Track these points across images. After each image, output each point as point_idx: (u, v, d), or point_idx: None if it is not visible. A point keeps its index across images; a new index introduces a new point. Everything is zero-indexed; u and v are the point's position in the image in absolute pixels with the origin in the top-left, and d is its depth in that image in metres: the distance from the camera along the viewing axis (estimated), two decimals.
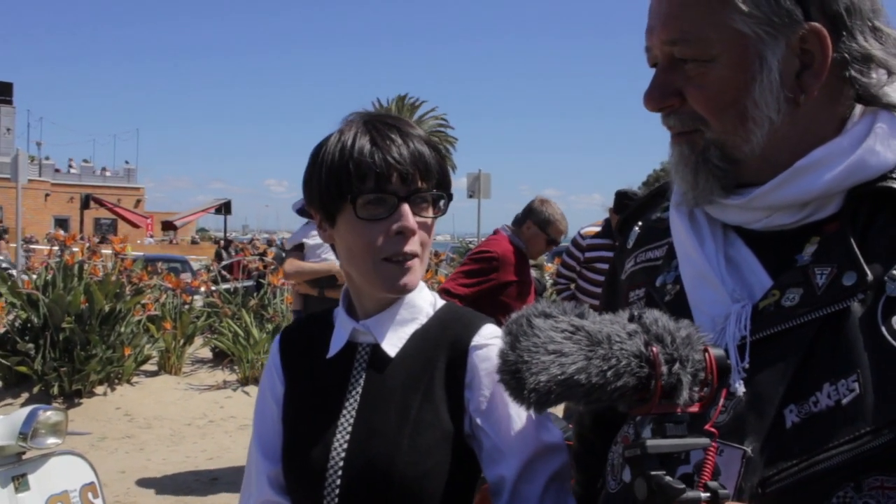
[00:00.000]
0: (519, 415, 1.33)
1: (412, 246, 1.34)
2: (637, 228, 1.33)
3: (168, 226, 38.12)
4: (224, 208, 36.31)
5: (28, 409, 2.55)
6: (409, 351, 1.40)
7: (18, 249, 15.17)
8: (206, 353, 10.37)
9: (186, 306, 10.16)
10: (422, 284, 1.46)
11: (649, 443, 0.87)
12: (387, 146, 1.32)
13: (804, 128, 1.05)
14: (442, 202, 1.40)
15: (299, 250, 5.67)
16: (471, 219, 19.93)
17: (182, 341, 9.59)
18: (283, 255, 6.72)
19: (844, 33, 1.02)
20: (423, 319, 1.43)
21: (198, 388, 8.79)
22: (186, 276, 14.16)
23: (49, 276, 8.18)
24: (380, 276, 1.36)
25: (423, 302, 1.45)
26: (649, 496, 0.86)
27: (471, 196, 19.80)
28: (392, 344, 1.40)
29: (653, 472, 0.86)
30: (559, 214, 5.09)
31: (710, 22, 1.01)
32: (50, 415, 2.56)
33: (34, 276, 8.37)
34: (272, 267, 11.75)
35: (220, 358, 9.90)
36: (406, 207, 1.33)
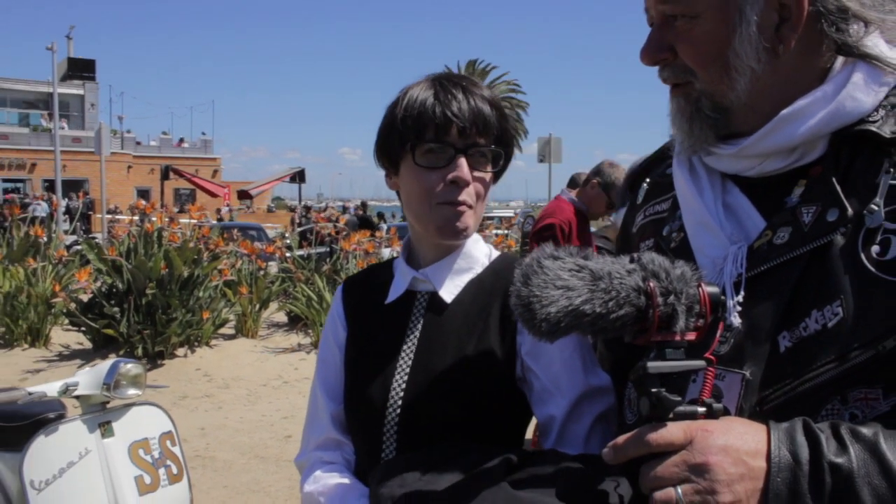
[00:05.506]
0: (568, 358, 1.39)
1: (465, 196, 1.42)
2: (645, 185, 1.41)
3: (244, 195, 38.91)
4: (298, 177, 36.83)
5: (111, 361, 2.73)
6: (464, 298, 1.47)
7: (103, 219, 15.80)
8: (282, 317, 10.69)
9: (261, 272, 10.47)
10: (478, 237, 1.54)
11: (650, 364, 0.97)
12: (448, 101, 1.39)
13: (786, 77, 1.12)
14: (501, 160, 1.47)
15: None
16: (544, 183, 19.84)
17: (258, 306, 9.92)
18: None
19: None
20: (478, 269, 1.51)
21: (273, 350, 9.08)
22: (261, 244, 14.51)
23: (131, 244, 8.54)
24: (435, 220, 1.44)
25: (479, 253, 1.52)
26: (651, 410, 0.96)
27: (541, 160, 19.72)
28: (449, 291, 1.48)
29: (653, 389, 0.96)
30: None
31: None
32: (130, 367, 2.74)
33: (118, 244, 8.75)
34: (344, 233, 11.94)
35: (294, 322, 10.20)
36: (462, 159, 1.41)
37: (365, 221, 19.58)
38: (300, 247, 13.41)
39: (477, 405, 1.39)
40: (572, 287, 0.95)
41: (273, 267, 11.44)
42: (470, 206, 1.44)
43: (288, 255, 12.00)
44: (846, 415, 1.00)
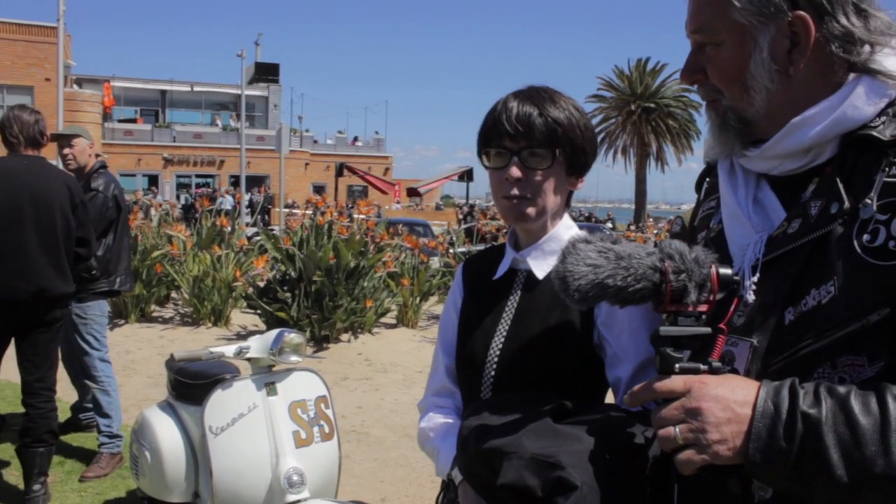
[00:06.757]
0: (636, 329, 1.65)
1: (516, 190, 1.70)
2: (706, 184, 1.63)
3: (413, 192, 40.05)
4: (466, 175, 37.55)
5: (277, 330, 3.18)
6: None
7: (281, 212, 16.93)
8: (441, 309, 11.13)
9: (423, 265, 11.00)
10: (571, 223, 1.83)
11: (661, 328, 1.22)
12: (500, 113, 1.69)
13: (800, 93, 1.30)
14: (553, 159, 1.70)
15: None
16: None
17: (418, 298, 10.44)
18: None
19: (827, 17, 1.26)
20: None
21: (431, 340, 9.53)
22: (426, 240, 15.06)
23: (304, 235, 9.27)
24: (501, 209, 1.77)
25: (568, 237, 1.75)
26: (660, 364, 1.21)
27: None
28: (541, 269, 1.77)
29: (662, 348, 1.21)
30: None
31: (718, 16, 1.31)
32: (293, 336, 3.17)
33: (292, 235, 9.50)
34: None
35: None
36: (514, 160, 1.69)
37: None
38: (463, 244, 13.84)
39: (557, 365, 1.68)
40: (599, 265, 1.21)
41: (435, 262, 11.94)
42: (525, 198, 1.71)
43: (450, 250, 12.50)
44: (835, 378, 1.18)
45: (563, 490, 1.28)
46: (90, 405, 5.32)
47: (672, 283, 1.21)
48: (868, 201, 1.21)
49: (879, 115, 1.26)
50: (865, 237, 1.20)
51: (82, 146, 5.27)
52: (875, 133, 1.24)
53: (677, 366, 1.20)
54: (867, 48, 1.28)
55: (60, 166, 5.23)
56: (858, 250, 1.19)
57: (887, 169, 1.21)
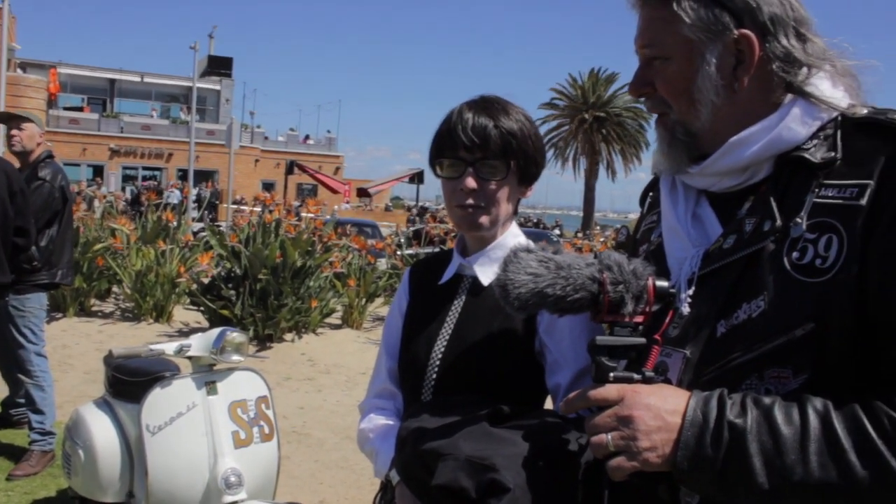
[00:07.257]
0: (577, 337, 1.68)
1: (470, 199, 1.73)
2: (649, 198, 1.67)
3: (363, 193, 39.85)
4: (417, 178, 37.48)
5: (219, 329, 3.15)
6: None
7: (229, 209, 16.74)
8: (386, 311, 11.12)
9: (370, 267, 10.98)
10: (518, 231, 1.86)
11: (598, 338, 1.24)
12: (455, 124, 1.72)
13: (743, 109, 1.35)
14: (508, 171, 1.74)
15: None
16: None
17: (364, 299, 10.41)
18: None
19: (769, 37, 1.32)
20: None
21: (375, 342, 9.50)
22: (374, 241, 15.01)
23: (251, 232, 9.18)
24: (454, 219, 1.80)
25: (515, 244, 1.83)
26: (596, 374, 1.24)
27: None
28: (486, 276, 1.79)
29: (597, 357, 1.23)
30: None
31: (667, 31, 1.36)
32: (235, 335, 3.15)
33: (239, 232, 9.41)
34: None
35: None
36: (469, 170, 1.72)
37: None
38: (411, 246, 13.84)
39: (498, 369, 1.71)
40: (539, 274, 1.23)
41: (382, 263, 11.92)
42: (479, 207, 1.74)
43: (398, 252, 12.49)
44: (762, 389, 1.23)
45: (495, 492, 1.30)
46: (22, 401, 5.19)
47: (609, 294, 1.24)
48: (798, 220, 1.26)
49: (812, 137, 1.31)
50: (795, 255, 1.24)
51: (32, 132, 5.15)
52: (807, 155, 1.29)
53: (612, 375, 1.22)
54: (805, 70, 1.33)
55: (1, 146, 5.11)
56: (788, 267, 1.24)
57: (817, 190, 1.27)
